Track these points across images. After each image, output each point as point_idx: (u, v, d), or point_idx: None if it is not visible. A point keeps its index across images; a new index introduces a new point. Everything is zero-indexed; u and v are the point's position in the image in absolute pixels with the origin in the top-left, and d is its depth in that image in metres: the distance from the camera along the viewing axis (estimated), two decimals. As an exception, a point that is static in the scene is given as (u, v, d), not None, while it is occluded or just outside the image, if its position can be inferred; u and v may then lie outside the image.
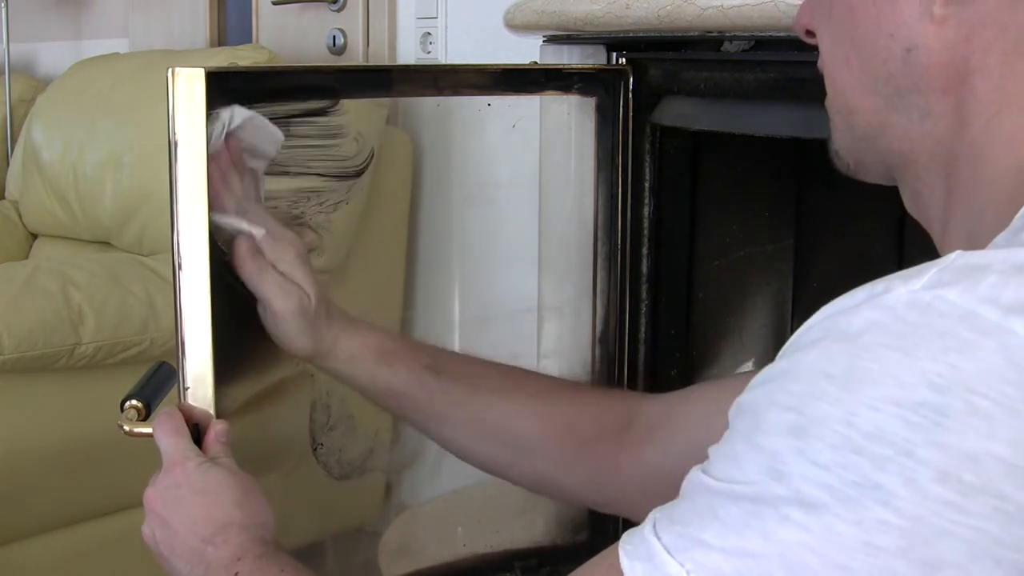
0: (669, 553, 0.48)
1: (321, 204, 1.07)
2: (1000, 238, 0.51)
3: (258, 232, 0.89)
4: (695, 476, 0.50)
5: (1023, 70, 0.55)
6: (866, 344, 0.46)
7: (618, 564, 0.50)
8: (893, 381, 0.44)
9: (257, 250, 0.89)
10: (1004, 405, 0.43)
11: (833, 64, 0.63)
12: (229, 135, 0.89)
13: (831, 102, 0.64)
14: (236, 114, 0.88)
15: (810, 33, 0.66)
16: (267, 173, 0.96)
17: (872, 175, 0.64)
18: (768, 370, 0.49)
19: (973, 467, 0.43)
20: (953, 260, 0.47)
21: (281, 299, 0.88)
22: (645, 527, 0.50)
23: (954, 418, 0.43)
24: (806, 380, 0.47)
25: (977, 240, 0.55)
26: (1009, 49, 0.55)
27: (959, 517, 0.43)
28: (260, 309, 0.90)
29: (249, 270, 0.88)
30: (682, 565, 0.47)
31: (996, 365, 0.43)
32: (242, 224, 0.89)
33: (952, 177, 0.58)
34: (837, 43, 0.62)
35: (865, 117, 0.61)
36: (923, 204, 0.61)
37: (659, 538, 0.49)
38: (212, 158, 0.85)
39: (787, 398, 0.47)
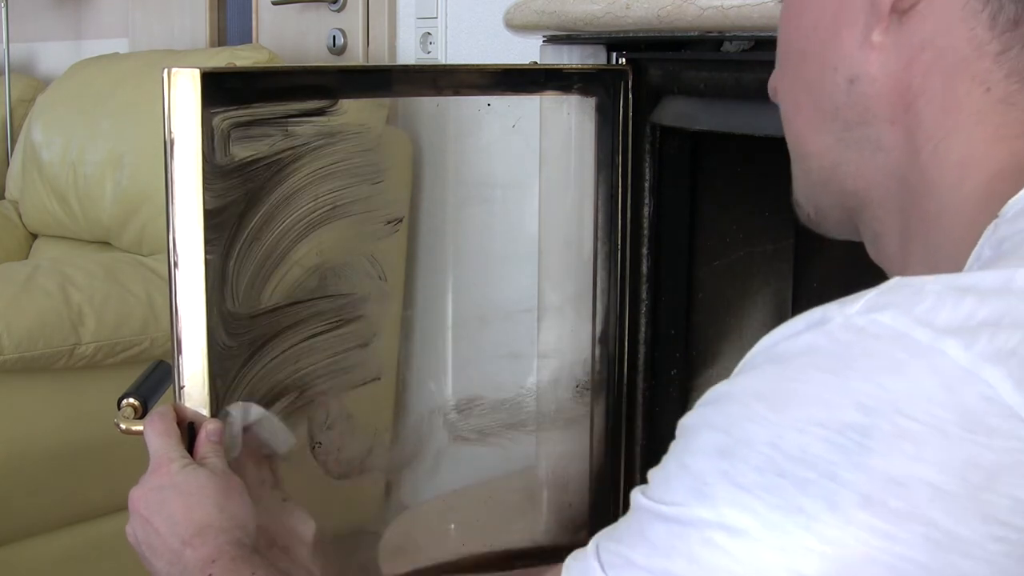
0: (603, 571, 0.48)
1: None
2: None
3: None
4: (635, 495, 0.50)
5: (965, 93, 0.54)
6: (799, 366, 0.45)
7: None
8: (820, 402, 0.43)
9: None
10: (933, 427, 0.41)
11: (787, 111, 0.63)
12: (245, 429, 0.91)
13: (790, 151, 0.64)
14: (252, 412, 0.91)
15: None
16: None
17: (832, 223, 0.63)
18: (711, 391, 0.49)
19: (900, 492, 0.41)
20: (891, 285, 0.46)
21: None
22: (590, 546, 0.50)
23: (880, 440, 0.42)
24: (738, 401, 0.46)
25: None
26: (949, 72, 0.54)
27: (885, 544, 0.41)
28: None
29: None
30: None
31: (926, 386, 0.42)
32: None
33: (908, 211, 0.57)
34: (790, 89, 0.62)
35: (819, 160, 0.61)
36: (882, 245, 0.60)
37: (598, 556, 0.49)
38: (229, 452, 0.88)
39: (719, 418, 0.47)
